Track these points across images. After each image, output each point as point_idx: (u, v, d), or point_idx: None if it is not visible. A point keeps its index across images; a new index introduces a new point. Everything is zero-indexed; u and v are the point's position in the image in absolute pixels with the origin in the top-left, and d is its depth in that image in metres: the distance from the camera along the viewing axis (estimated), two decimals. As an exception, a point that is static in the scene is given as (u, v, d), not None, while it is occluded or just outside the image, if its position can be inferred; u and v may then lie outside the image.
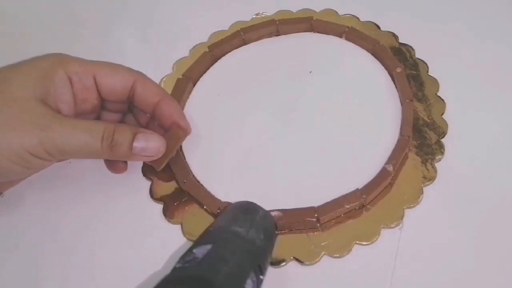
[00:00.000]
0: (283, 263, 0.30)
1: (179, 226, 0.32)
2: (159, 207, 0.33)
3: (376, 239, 0.30)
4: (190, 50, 0.41)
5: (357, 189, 0.31)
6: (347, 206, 0.31)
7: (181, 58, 0.41)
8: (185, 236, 0.32)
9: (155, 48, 0.42)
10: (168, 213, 0.33)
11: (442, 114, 0.35)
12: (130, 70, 0.31)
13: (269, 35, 0.41)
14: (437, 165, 0.33)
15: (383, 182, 0.31)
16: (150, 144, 0.29)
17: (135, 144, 0.29)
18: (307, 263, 0.30)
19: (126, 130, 0.29)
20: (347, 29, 0.39)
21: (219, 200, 0.32)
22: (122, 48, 0.43)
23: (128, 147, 0.29)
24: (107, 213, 0.34)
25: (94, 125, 0.28)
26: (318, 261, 0.30)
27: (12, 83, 0.27)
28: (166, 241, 0.32)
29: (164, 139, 0.30)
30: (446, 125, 0.34)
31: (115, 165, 0.33)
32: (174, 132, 0.31)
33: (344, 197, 0.31)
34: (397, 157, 0.32)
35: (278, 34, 0.41)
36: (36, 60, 0.28)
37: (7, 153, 0.26)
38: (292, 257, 0.30)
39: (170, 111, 0.31)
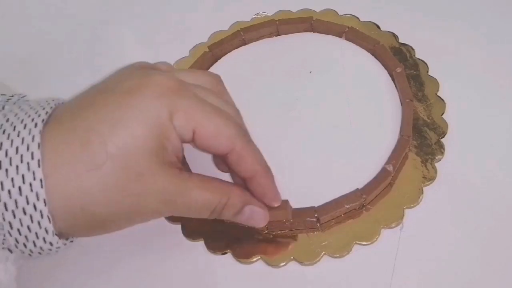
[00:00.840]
0: (283, 263, 0.30)
1: (179, 226, 0.32)
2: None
3: (376, 239, 0.30)
4: (190, 50, 0.41)
5: (357, 189, 0.31)
6: (347, 206, 0.31)
7: (181, 58, 0.41)
8: (185, 237, 0.32)
9: (155, 48, 0.42)
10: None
11: (442, 114, 0.35)
12: (232, 136, 0.27)
13: (269, 35, 0.40)
14: (437, 165, 0.33)
15: (383, 182, 0.31)
16: (254, 220, 0.29)
17: (239, 216, 0.28)
18: (307, 263, 0.30)
19: (237, 203, 0.28)
20: (347, 29, 0.39)
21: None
22: (121, 48, 0.43)
23: (232, 217, 0.28)
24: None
25: (210, 199, 0.27)
26: (318, 261, 0.30)
27: (129, 153, 0.24)
28: (167, 242, 0.32)
29: (268, 216, 0.29)
30: (446, 125, 0.34)
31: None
32: (282, 211, 0.30)
33: (344, 197, 0.31)
34: (397, 157, 0.32)
35: (278, 34, 0.41)
36: (144, 112, 0.24)
37: (125, 222, 0.27)
38: (292, 257, 0.30)
39: (263, 191, 0.29)
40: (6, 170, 0.23)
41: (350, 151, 0.34)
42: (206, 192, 0.26)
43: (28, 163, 0.23)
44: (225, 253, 0.31)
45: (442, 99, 0.35)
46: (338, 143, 0.34)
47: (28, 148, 0.23)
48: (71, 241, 0.26)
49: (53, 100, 0.26)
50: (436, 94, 0.36)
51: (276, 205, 0.29)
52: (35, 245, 0.24)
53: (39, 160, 0.23)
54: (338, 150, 0.34)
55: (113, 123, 0.24)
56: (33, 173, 0.23)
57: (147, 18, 0.45)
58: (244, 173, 0.28)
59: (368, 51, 0.38)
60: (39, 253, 0.25)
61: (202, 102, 0.26)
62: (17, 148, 0.23)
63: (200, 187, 0.26)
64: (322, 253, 0.30)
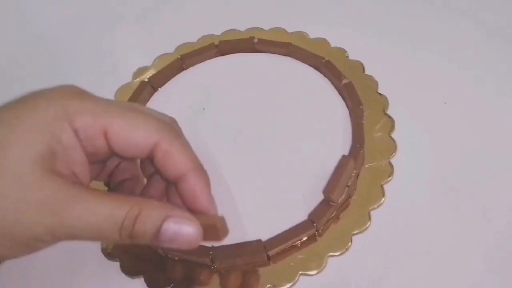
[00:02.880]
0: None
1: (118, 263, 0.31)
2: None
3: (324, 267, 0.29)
4: (155, 59, 0.41)
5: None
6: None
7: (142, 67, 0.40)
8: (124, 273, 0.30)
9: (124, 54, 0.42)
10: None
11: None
12: (153, 128, 0.23)
13: (212, 56, 0.40)
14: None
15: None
16: (183, 234, 0.22)
17: (163, 233, 0.22)
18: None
19: (154, 214, 0.22)
20: (290, 46, 0.39)
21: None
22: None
23: (152, 235, 0.22)
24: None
25: (114, 210, 0.21)
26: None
27: (12, 150, 0.21)
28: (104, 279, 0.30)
29: (201, 231, 0.23)
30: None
31: None
32: (213, 227, 0.23)
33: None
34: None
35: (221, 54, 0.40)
36: (36, 113, 0.22)
37: (9, 244, 0.21)
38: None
39: (195, 194, 0.24)
40: None
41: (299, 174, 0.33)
42: (108, 201, 0.21)
43: None
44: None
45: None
46: (286, 167, 0.33)
47: None
48: None
49: None
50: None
51: (211, 212, 0.24)
52: None
53: None
54: (285, 177, 0.33)
55: (4, 132, 0.21)
56: None
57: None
58: (173, 172, 0.24)
59: (313, 67, 0.38)
60: None
61: (114, 102, 0.23)
62: None
63: (100, 197, 0.21)
64: (268, 286, 0.29)
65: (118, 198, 0.22)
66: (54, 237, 0.21)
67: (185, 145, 0.24)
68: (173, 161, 0.23)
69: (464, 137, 0.33)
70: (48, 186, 0.21)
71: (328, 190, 0.30)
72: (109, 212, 0.21)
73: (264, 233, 0.30)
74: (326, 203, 0.30)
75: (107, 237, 0.22)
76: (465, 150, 0.33)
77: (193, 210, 0.24)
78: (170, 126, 0.24)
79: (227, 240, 0.29)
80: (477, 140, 0.33)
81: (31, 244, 0.22)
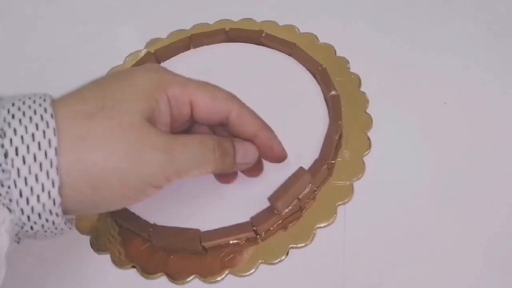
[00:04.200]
0: (218, 277, 0.30)
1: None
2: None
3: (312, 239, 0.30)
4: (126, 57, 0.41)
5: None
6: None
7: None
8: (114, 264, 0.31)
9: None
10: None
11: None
12: (228, 98, 0.28)
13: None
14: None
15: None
16: (248, 151, 0.29)
17: (237, 153, 0.28)
18: (245, 274, 0.30)
19: (227, 139, 0.28)
20: (264, 34, 0.39)
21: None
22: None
23: (233, 156, 0.28)
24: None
25: (203, 138, 0.27)
26: (254, 272, 0.30)
27: (123, 106, 0.25)
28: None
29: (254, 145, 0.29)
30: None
31: (225, 176, 0.32)
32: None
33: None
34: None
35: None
36: (139, 82, 0.26)
37: (128, 189, 0.24)
38: (227, 271, 0.30)
39: (270, 144, 0.29)
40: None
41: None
42: (197, 136, 0.27)
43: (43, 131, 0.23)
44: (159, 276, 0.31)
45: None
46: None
47: (42, 118, 0.23)
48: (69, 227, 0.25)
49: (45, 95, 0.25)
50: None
51: (285, 157, 0.30)
52: (38, 199, 0.22)
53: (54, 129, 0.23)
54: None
55: (114, 94, 0.25)
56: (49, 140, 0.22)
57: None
58: (249, 130, 0.29)
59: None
60: (36, 222, 0.23)
61: (193, 79, 0.28)
62: (30, 118, 0.23)
63: (189, 135, 0.28)
64: (259, 261, 0.30)
65: (199, 134, 0.29)
66: (165, 177, 0.25)
67: (251, 110, 0.29)
68: (247, 120, 0.28)
69: (444, 145, 0.34)
70: (155, 130, 0.25)
71: (273, 198, 0.30)
72: (200, 140, 0.27)
73: (210, 225, 0.31)
74: (270, 210, 0.31)
75: (207, 159, 0.27)
76: (445, 159, 0.33)
77: (270, 159, 0.30)
78: (236, 97, 0.29)
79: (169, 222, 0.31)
80: (470, 143, 0.34)
81: (144, 188, 0.25)
